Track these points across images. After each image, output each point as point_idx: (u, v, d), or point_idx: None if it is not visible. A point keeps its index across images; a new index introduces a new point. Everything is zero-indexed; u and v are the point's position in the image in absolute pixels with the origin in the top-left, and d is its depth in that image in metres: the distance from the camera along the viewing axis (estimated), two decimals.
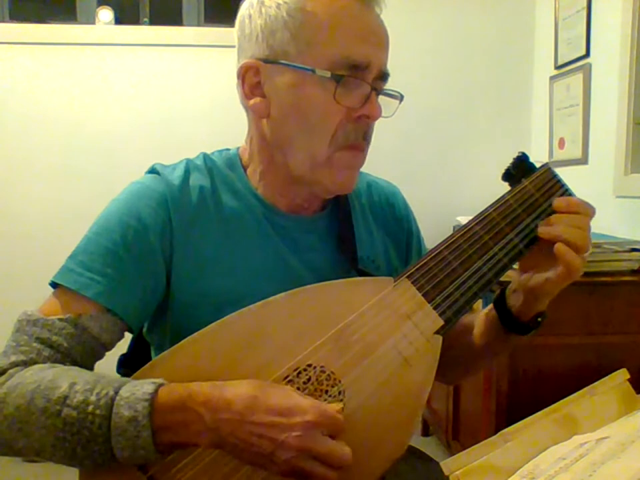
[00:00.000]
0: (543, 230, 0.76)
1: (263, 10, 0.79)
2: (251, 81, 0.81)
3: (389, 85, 0.83)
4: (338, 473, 0.67)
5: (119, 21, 2.54)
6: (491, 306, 0.86)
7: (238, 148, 0.90)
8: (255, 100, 0.81)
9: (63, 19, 2.63)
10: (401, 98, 0.84)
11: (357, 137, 0.79)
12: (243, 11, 0.83)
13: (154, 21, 2.65)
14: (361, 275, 0.86)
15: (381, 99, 0.81)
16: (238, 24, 0.83)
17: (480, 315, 0.89)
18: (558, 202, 0.77)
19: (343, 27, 0.76)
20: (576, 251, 0.74)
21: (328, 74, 0.75)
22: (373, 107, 0.78)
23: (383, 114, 0.80)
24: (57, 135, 2.41)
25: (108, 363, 0.85)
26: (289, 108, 0.79)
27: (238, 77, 0.82)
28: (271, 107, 0.80)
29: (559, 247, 0.74)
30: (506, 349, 0.90)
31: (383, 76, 0.80)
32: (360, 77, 0.77)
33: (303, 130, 0.78)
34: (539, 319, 0.83)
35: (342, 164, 0.80)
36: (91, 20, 2.54)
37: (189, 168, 0.85)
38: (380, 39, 0.79)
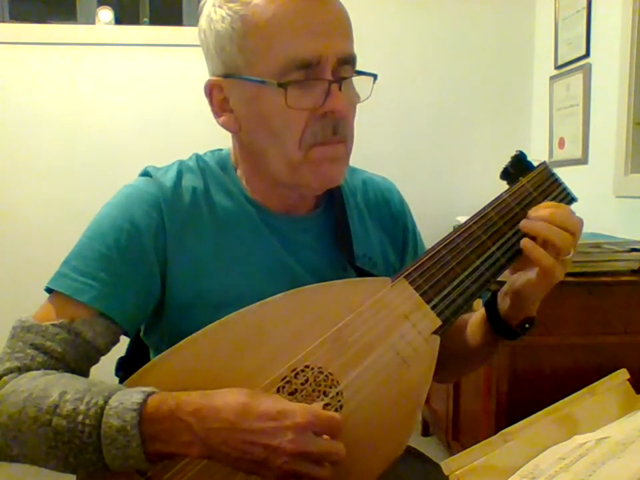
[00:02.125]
0: (525, 224, 0.75)
1: (212, 25, 0.77)
2: (217, 98, 0.80)
3: (386, 78, 0.79)
4: (337, 473, 0.66)
5: (118, 21, 2.54)
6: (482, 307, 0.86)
7: (230, 148, 0.89)
8: (224, 118, 0.80)
9: (62, 18, 2.62)
10: (375, 77, 0.79)
11: (325, 135, 0.76)
12: (199, 25, 0.80)
13: (154, 21, 2.65)
14: (358, 273, 0.85)
15: (357, 80, 0.78)
16: (199, 41, 0.81)
17: (474, 315, 0.89)
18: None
19: (284, 28, 0.72)
20: (552, 251, 0.72)
21: (275, 83, 0.73)
22: (334, 100, 0.74)
23: (361, 97, 0.78)
24: (57, 135, 2.41)
25: (106, 366, 0.85)
26: (253, 120, 0.78)
27: (206, 96, 0.81)
28: (241, 120, 0.79)
29: (524, 242, 0.73)
30: (493, 352, 0.89)
31: (346, 61, 0.76)
32: (314, 75, 0.74)
33: (271, 139, 0.77)
34: (527, 325, 0.82)
35: (319, 159, 0.77)
36: (91, 20, 2.54)
37: (181, 169, 0.84)
38: (331, 26, 0.74)
